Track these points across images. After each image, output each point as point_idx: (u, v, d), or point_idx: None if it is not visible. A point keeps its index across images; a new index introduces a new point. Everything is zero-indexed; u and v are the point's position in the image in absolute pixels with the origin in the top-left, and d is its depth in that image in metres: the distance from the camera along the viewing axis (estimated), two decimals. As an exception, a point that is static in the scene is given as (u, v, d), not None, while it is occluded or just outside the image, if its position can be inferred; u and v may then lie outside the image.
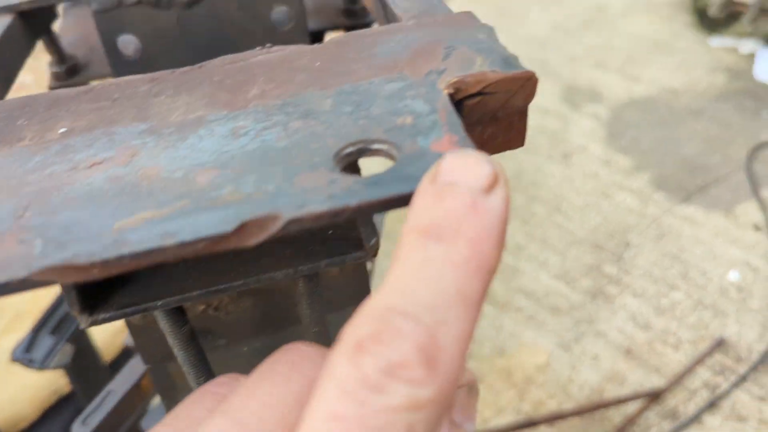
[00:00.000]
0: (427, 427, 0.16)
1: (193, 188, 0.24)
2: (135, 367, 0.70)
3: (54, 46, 0.57)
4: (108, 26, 0.48)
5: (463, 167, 0.20)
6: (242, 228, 0.22)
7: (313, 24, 0.61)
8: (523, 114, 0.30)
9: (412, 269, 0.18)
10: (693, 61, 2.83)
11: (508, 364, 1.89)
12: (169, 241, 0.22)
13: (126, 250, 0.22)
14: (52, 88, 0.59)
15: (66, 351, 1.20)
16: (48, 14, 0.54)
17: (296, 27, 0.51)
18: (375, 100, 0.28)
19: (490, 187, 0.20)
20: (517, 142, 0.30)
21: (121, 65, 0.50)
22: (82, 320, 0.30)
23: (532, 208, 2.25)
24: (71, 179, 0.26)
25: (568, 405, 1.77)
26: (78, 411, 1.32)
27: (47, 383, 1.29)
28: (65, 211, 0.24)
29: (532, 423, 1.70)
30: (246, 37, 0.51)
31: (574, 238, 2.14)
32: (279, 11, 0.50)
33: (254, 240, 0.22)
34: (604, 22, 3.15)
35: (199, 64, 0.33)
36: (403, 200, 0.22)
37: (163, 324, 0.35)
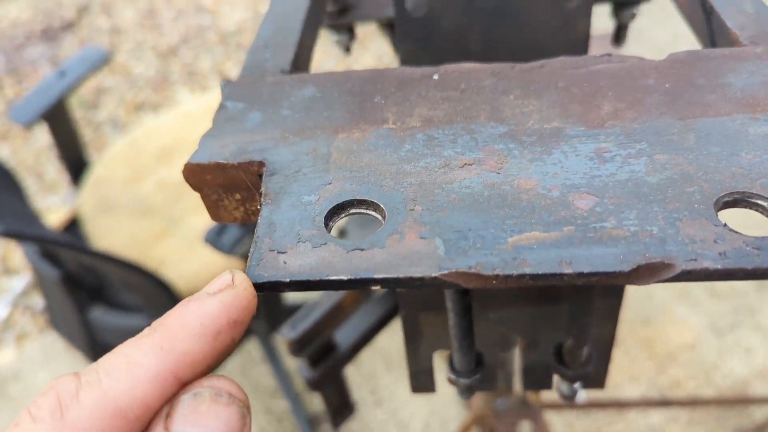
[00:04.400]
0: None
1: (574, 214, 0.26)
2: (341, 287, 0.76)
3: (332, -15, 0.60)
4: (404, -19, 0.50)
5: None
6: (637, 270, 0.23)
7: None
8: None
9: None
10: None
11: (651, 335, 1.86)
12: (567, 270, 0.24)
13: (527, 269, 0.24)
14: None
15: (251, 242, 1.30)
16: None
17: (583, 4, 0.50)
18: (742, 143, 0.28)
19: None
20: None
21: (403, 20, 0.52)
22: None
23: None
24: (448, 177, 0.28)
25: (708, 391, 1.72)
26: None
27: (225, 265, 1.42)
28: (454, 213, 0.26)
29: (668, 402, 1.68)
30: (529, 8, 0.51)
31: (750, 220, 2.01)
32: (569, -14, 0.50)
33: (641, 282, 0.23)
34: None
35: (539, 63, 0.34)
36: None
37: (450, 293, 0.38)
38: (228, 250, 1.28)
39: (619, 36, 0.63)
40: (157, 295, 1.34)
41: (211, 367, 0.23)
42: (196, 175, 0.31)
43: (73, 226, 1.55)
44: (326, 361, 0.79)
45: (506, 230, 0.25)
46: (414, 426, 1.77)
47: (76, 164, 1.61)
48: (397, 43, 0.54)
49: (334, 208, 0.27)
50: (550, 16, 0.51)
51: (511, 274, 0.24)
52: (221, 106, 0.34)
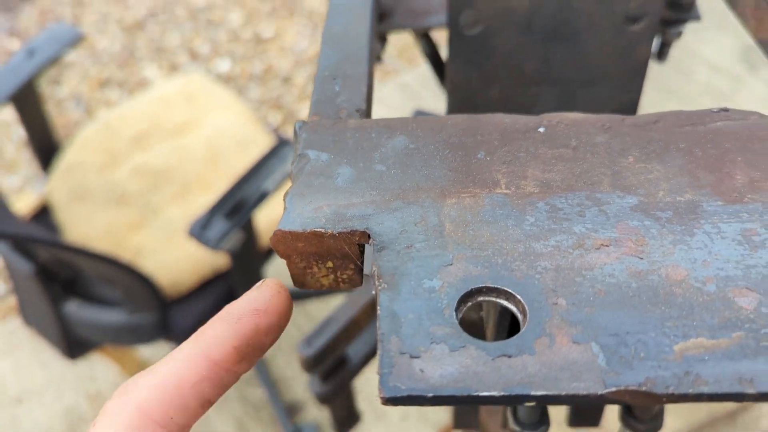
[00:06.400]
0: None
1: (739, 315, 0.23)
2: (354, 301, 0.73)
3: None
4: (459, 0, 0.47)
5: None
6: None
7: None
8: None
9: None
10: None
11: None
12: (749, 390, 0.21)
13: (705, 389, 0.21)
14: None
15: (238, 237, 1.26)
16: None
17: (647, 27, 0.48)
18: None
19: None
20: None
21: (457, 37, 0.49)
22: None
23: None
24: (586, 262, 0.25)
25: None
26: (230, 291, 1.41)
27: (208, 258, 1.37)
28: (603, 310, 0.24)
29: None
30: (590, 31, 0.48)
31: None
32: (634, 8, 0.47)
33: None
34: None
35: (651, 117, 0.31)
36: None
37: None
38: (214, 244, 1.24)
39: (662, 53, 0.60)
40: (137, 289, 1.28)
41: (238, 348, 0.26)
42: (287, 242, 0.27)
43: (43, 214, 1.48)
44: (337, 375, 0.76)
45: (668, 335, 0.23)
46: (392, 413, 1.77)
47: (45, 149, 1.53)
48: (449, 60, 0.51)
49: (462, 297, 0.24)
50: (612, 39, 0.48)
51: (687, 393, 0.21)
52: (302, 156, 0.31)
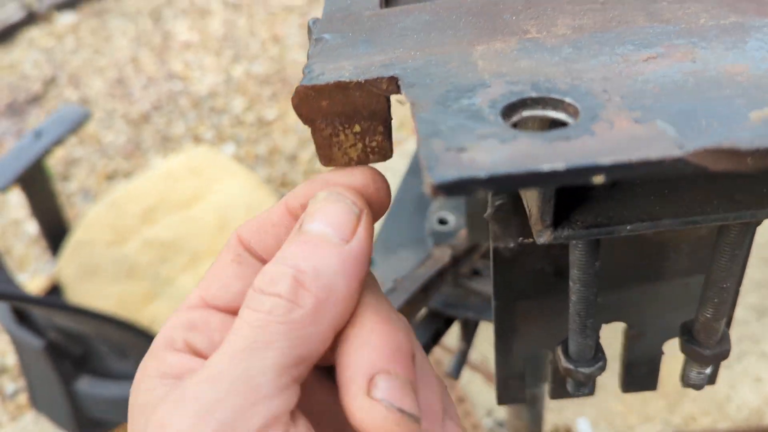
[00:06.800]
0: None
1: (816, 87, 0.21)
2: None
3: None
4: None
5: (325, 216, 0.26)
6: None
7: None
8: None
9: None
10: None
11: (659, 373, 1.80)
12: None
13: (794, 141, 0.19)
14: None
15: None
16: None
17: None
18: None
19: (352, 234, 0.26)
20: None
21: None
22: (544, 235, 0.28)
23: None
24: (635, 71, 0.23)
25: (723, 425, 1.66)
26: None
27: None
28: (662, 99, 0.21)
29: (686, 437, 1.61)
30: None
31: (742, 250, 2.00)
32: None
33: None
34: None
35: (679, -23, 0.30)
36: None
37: (579, 256, 0.32)
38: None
39: None
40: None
41: (303, 205, 0.29)
42: (310, 101, 0.26)
43: (53, 293, 1.45)
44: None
45: (740, 107, 0.20)
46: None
47: (55, 232, 1.52)
48: None
49: (505, 109, 0.22)
50: None
51: (775, 146, 0.19)
52: (318, 40, 0.29)
